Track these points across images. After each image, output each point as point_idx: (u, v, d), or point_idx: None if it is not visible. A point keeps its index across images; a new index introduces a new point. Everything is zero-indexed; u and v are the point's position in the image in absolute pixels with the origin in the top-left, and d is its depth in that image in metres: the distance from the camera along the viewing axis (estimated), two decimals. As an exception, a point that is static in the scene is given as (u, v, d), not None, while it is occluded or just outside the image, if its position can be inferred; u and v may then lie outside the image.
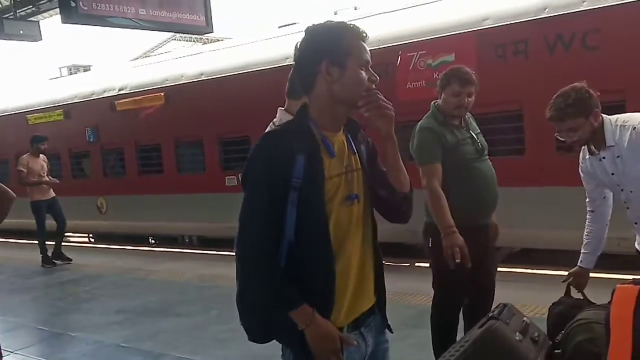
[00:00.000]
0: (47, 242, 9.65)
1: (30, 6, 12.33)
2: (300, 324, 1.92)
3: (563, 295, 3.24)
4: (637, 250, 3.29)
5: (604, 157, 3.10)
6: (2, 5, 13.65)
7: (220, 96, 10.07)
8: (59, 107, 13.05)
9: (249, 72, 9.64)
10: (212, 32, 9.28)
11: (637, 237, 3.28)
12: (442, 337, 3.60)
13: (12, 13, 12.26)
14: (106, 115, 11.95)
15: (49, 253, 9.63)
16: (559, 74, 6.04)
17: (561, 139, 3.16)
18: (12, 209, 3.33)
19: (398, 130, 2.09)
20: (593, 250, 3.32)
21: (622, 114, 3.15)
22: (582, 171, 3.30)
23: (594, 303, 3.08)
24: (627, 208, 3.20)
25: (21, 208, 9.51)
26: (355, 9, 10.32)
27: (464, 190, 3.46)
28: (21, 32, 11.73)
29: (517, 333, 2.58)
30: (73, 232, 10.18)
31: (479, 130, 3.73)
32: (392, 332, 2.22)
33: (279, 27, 11.12)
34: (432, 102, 3.67)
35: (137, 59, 24.16)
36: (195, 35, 24.87)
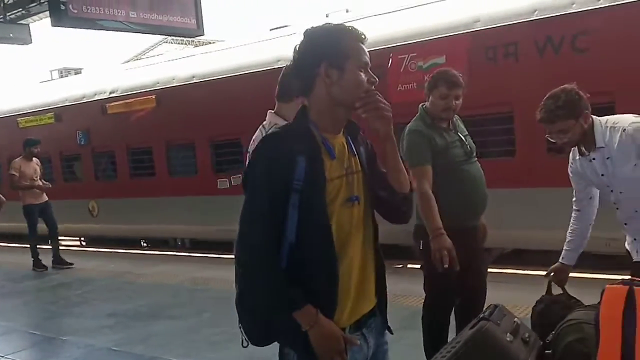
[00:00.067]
0: (39, 246, 9.59)
1: (20, 9, 12.24)
2: (304, 325, 1.91)
3: (545, 292, 3.28)
4: (627, 250, 3.31)
5: (594, 158, 3.13)
6: (-9, 8, 13.55)
7: (211, 99, 10.06)
8: (50, 110, 13.01)
9: (241, 74, 9.64)
10: (203, 34, 9.26)
11: (627, 238, 3.31)
12: (433, 338, 3.61)
13: (1, 16, 12.17)
14: (97, 118, 11.91)
15: (49, 260, 9.54)
16: (549, 76, 6.07)
17: (552, 140, 3.18)
18: (2, 213, 3.32)
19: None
20: (575, 248, 3.38)
21: (612, 116, 3.18)
22: (571, 171, 3.33)
23: (574, 297, 3.13)
24: (617, 209, 3.22)
25: (13, 212, 9.51)
26: (347, 11, 10.31)
27: (454, 192, 3.47)
28: (11, 35, 11.65)
29: (508, 334, 2.60)
30: (64, 236, 10.14)
31: (467, 132, 3.74)
32: (392, 334, 2.22)
33: (271, 30, 11.12)
34: (420, 105, 3.69)
35: (129, 61, 24.10)
36: (187, 38, 24.83)
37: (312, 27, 2.04)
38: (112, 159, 12.21)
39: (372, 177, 2.09)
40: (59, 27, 7.76)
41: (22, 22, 12.39)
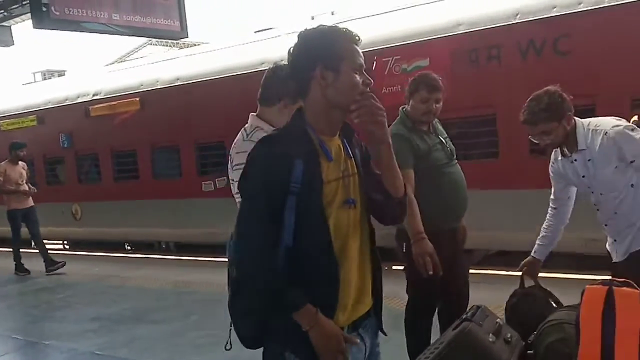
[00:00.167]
0: (22, 250, 9.49)
1: (2, 11, 12.13)
2: (304, 325, 1.90)
3: (518, 287, 3.36)
4: (607, 251, 3.35)
5: (575, 160, 3.16)
6: (-27, 10, 13.42)
7: (196, 101, 10.03)
8: (32, 112, 12.90)
9: (226, 77, 9.62)
10: (187, 37, 9.22)
11: (607, 239, 3.35)
12: (417, 341, 3.61)
13: (-17, 18, 12.07)
14: (80, 120, 11.83)
15: (39, 266, 9.37)
16: (532, 78, 6.13)
17: (535, 141, 3.22)
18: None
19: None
20: (548, 244, 3.45)
21: (594, 118, 3.22)
22: (552, 171, 3.37)
23: (546, 289, 3.19)
24: (597, 210, 3.26)
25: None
26: (333, 14, 10.33)
27: (435, 195, 3.47)
28: (-7, 37, 11.57)
29: (491, 334, 2.62)
30: (47, 239, 10.07)
31: (446, 135, 3.76)
32: (385, 335, 2.21)
33: (255, 32, 11.11)
34: (400, 108, 3.69)
35: (113, 63, 23.93)
36: (171, 40, 24.74)
37: (306, 29, 2.03)
38: (96, 162, 12.13)
39: (366, 180, 2.09)
40: (41, 29, 7.68)
41: (4, 24, 12.28)
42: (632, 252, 3.15)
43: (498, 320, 2.79)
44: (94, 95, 11.71)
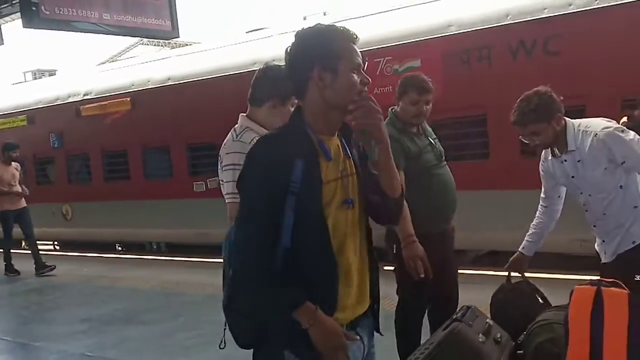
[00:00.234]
0: (12, 251, 9.45)
1: (-8, 10, 12.07)
2: (304, 323, 1.88)
3: (505, 282, 3.40)
4: (596, 251, 3.36)
5: (565, 160, 3.18)
6: (-38, 9, 13.33)
7: (187, 101, 10.00)
8: (22, 112, 12.83)
9: (217, 77, 9.60)
10: (178, 37, 9.18)
11: (596, 239, 3.36)
12: (407, 341, 3.61)
13: (-27, 17, 12.00)
14: (71, 120, 11.78)
15: (29, 267, 9.32)
16: (522, 79, 6.15)
17: (525, 141, 3.23)
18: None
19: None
20: (536, 241, 3.48)
21: (585, 119, 3.23)
22: (542, 170, 3.39)
23: (533, 284, 3.22)
24: (586, 211, 3.27)
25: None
26: (325, 14, 10.33)
27: (426, 197, 3.45)
28: (-18, 36, 11.48)
29: (480, 335, 2.63)
30: (38, 240, 10.04)
31: (435, 136, 3.76)
32: (381, 335, 2.21)
33: (247, 32, 11.09)
34: (390, 109, 3.65)
35: (104, 63, 23.84)
36: (163, 40, 24.66)
37: (303, 29, 2.01)
38: (87, 162, 12.09)
39: (364, 180, 2.08)
40: (31, 29, 7.64)
41: (-7, 23, 12.20)
42: (620, 252, 3.16)
43: (488, 320, 2.80)
44: (84, 95, 11.66)
